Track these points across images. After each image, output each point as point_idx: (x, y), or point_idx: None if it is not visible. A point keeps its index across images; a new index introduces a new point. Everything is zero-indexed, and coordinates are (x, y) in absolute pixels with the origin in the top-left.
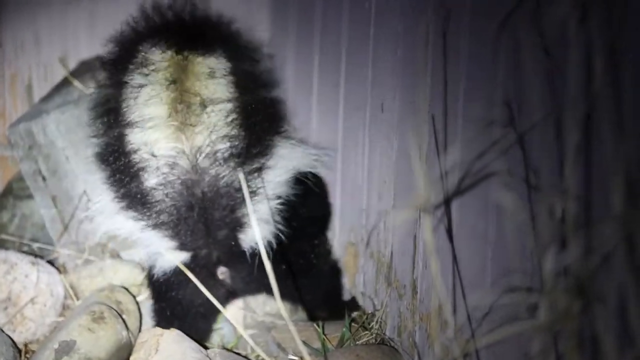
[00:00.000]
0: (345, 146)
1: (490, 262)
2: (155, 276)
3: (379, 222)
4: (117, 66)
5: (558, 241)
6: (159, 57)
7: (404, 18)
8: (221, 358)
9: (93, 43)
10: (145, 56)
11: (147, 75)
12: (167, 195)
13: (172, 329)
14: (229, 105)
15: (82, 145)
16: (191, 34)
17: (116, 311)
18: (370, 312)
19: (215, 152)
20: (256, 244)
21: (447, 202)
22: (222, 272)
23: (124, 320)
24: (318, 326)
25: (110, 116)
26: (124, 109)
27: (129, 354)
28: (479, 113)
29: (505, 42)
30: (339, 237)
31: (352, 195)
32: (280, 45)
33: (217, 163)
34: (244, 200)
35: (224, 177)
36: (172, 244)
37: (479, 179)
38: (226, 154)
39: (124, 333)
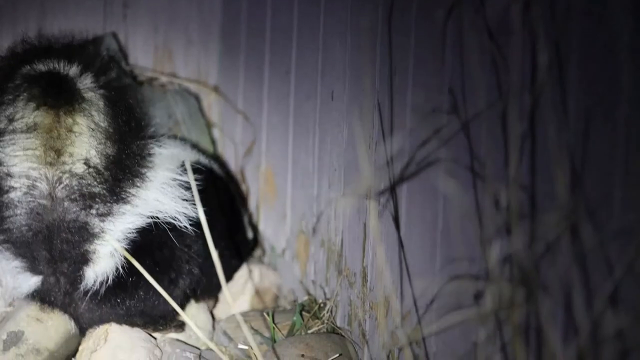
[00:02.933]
0: (296, 135)
1: (437, 250)
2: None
3: (329, 209)
4: None
5: (503, 230)
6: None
7: (353, 6)
8: (170, 347)
9: (44, 30)
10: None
11: (17, 94)
12: (17, 214)
13: None
14: (98, 135)
15: None
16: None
17: None
18: (321, 301)
19: (76, 185)
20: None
21: (392, 189)
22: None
23: None
24: (268, 315)
25: None
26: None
27: (78, 344)
28: (425, 101)
29: (452, 30)
30: (291, 226)
31: (303, 183)
32: (231, 34)
33: (74, 196)
34: (90, 237)
35: (75, 211)
36: (18, 264)
37: (424, 166)
38: (85, 190)
39: (73, 324)
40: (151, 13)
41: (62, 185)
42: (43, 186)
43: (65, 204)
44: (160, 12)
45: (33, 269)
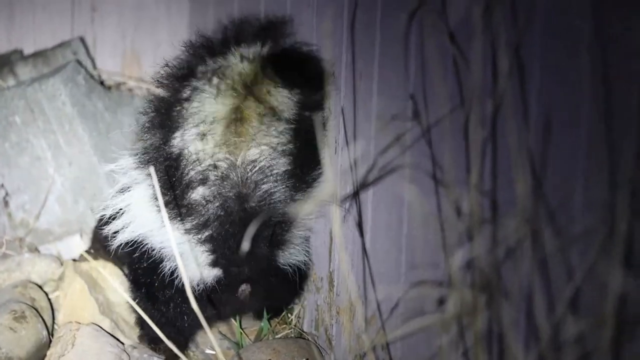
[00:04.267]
0: None
1: (401, 256)
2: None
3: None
4: (180, 71)
5: (464, 235)
6: (229, 63)
7: (318, 10)
8: (138, 353)
9: (11, 35)
10: (214, 61)
11: (209, 81)
12: (214, 207)
13: (89, 323)
14: (289, 123)
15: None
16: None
17: (36, 310)
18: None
19: (269, 167)
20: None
21: (356, 195)
22: (242, 289)
23: (43, 320)
24: (235, 320)
25: (162, 121)
26: (179, 115)
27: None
28: (387, 106)
29: (414, 35)
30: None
31: None
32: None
33: (270, 178)
34: (288, 218)
35: (275, 193)
36: (209, 259)
37: (387, 172)
38: (281, 170)
39: (44, 333)
40: (119, 17)
41: (256, 169)
42: (235, 174)
43: (264, 186)
44: (128, 16)
45: (219, 260)
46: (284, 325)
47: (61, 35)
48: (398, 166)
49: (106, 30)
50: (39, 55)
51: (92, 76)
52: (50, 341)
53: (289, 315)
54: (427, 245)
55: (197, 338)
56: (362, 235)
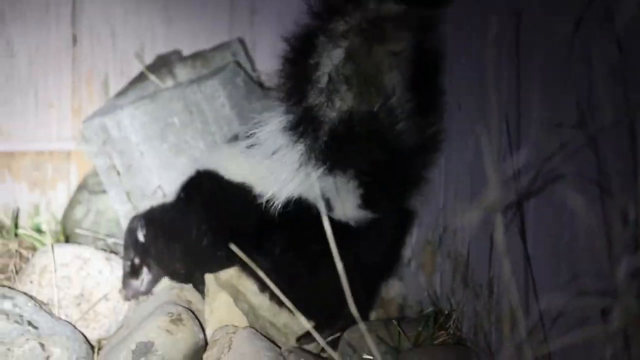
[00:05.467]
0: None
1: (564, 265)
2: None
3: (455, 221)
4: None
5: (631, 245)
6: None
7: (479, 18)
8: (294, 357)
9: (170, 37)
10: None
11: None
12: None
13: (245, 327)
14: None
15: (157, 141)
16: None
17: (193, 313)
18: (447, 311)
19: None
20: None
21: (519, 203)
22: None
23: (200, 323)
24: (395, 324)
25: (299, 79)
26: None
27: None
28: (551, 114)
29: (579, 43)
30: (417, 236)
31: (429, 194)
32: None
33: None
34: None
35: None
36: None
37: (550, 180)
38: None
39: (201, 335)
40: (279, 19)
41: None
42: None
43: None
44: (287, 18)
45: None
46: (442, 332)
47: (220, 37)
48: (561, 174)
49: (265, 32)
50: (197, 56)
51: (251, 78)
52: (206, 344)
53: (446, 321)
54: (591, 254)
55: (354, 343)
56: (525, 243)
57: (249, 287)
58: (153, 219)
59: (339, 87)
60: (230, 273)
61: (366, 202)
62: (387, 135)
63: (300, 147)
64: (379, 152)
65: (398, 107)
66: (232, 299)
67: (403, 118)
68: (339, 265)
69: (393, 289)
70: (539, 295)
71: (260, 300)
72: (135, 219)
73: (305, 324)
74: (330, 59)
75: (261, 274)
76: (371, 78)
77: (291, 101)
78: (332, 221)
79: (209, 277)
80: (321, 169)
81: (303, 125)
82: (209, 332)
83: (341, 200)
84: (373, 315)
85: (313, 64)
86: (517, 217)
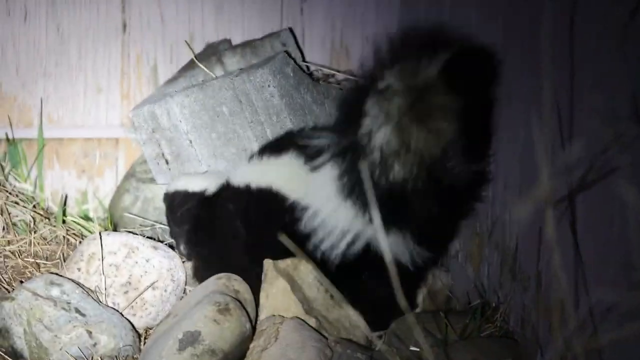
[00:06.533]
0: None
1: (614, 258)
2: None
3: (504, 213)
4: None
5: None
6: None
7: (531, 7)
8: (341, 347)
9: (220, 25)
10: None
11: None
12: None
13: (293, 317)
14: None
15: (206, 130)
16: None
17: (240, 303)
18: (494, 304)
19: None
20: None
21: (570, 196)
22: None
23: (247, 313)
24: (442, 316)
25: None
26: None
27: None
28: (605, 105)
29: (634, 31)
30: (465, 228)
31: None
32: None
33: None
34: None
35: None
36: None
37: (603, 173)
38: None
39: (248, 326)
40: (328, 9)
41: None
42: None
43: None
44: (337, 8)
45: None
46: (489, 324)
47: (270, 26)
48: (614, 167)
49: (315, 21)
50: (247, 45)
51: (300, 68)
52: (254, 334)
53: (494, 313)
54: None
55: (401, 334)
56: (575, 235)
57: (305, 279)
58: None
59: (391, 161)
60: (288, 262)
61: (423, 248)
62: (443, 189)
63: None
64: (434, 207)
65: (451, 162)
66: (289, 286)
67: (456, 168)
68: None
69: (441, 281)
70: (589, 288)
71: (315, 294)
72: (170, 196)
73: (354, 317)
74: (381, 134)
75: (314, 267)
76: (423, 149)
77: (345, 163)
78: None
79: (267, 263)
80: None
81: (351, 186)
82: (262, 317)
83: (395, 245)
84: (420, 307)
85: (365, 134)
86: (568, 211)
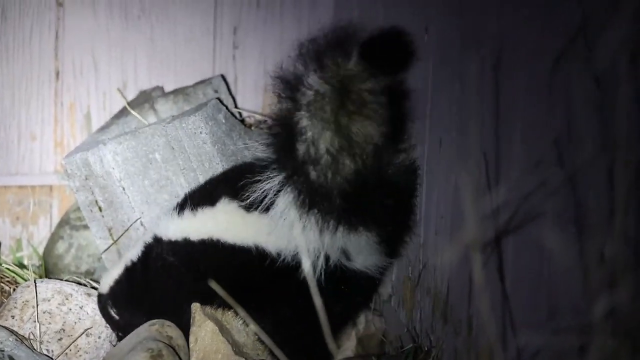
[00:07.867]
0: None
1: (541, 302)
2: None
3: (435, 257)
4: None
5: (607, 283)
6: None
7: (461, 55)
8: None
9: (152, 72)
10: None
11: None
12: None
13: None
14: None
15: (139, 177)
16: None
17: (173, 349)
18: (426, 348)
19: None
20: None
21: (497, 241)
22: None
23: (180, 359)
24: None
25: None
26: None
27: None
28: (531, 151)
29: (558, 81)
30: (397, 272)
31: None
32: None
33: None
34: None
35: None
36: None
37: (528, 218)
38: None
39: None
40: (260, 54)
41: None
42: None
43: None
44: (269, 53)
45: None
46: None
47: (202, 73)
48: (539, 212)
49: (248, 67)
50: (179, 92)
51: (232, 114)
52: None
53: (426, 357)
54: (569, 292)
55: None
56: (503, 280)
57: (233, 323)
58: (120, 293)
59: (342, 158)
60: (215, 307)
61: (384, 247)
62: (387, 177)
63: (315, 216)
64: (385, 197)
65: (386, 149)
66: (217, 328)
67: (392, 154)
68: (318, 302)
69: (374, 325)
70: (517, 332)
71: (244, 339)
72: (102, 297)
73: None
74: (324, 139)
75: (242, 312)
76: (366, 135)
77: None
78: (354, 272)
79: (195, 306)
80: (341, 228)
81: (311, 199)
82: None
83: (362, 251)
84: (353, 351)
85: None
86: (495, 255)
